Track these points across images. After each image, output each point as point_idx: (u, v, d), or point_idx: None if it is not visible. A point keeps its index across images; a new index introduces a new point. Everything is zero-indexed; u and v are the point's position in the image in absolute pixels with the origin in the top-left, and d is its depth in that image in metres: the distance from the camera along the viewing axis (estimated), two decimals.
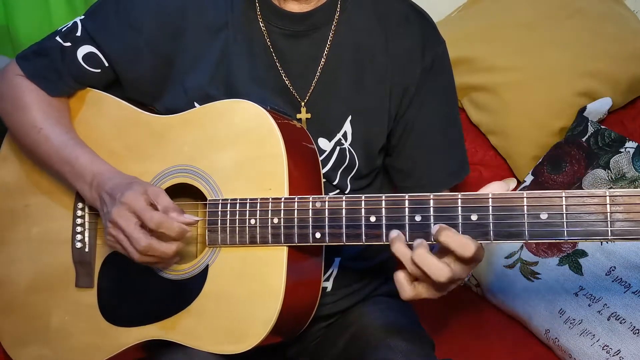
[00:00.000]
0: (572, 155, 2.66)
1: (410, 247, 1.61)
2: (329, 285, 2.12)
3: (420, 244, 1.58)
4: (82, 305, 2.06)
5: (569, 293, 2.38)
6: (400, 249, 1.61)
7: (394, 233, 1.64)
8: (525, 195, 1.56)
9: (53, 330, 2.10)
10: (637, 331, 2.19)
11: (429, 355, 2.04)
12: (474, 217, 1.59)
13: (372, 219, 1.69)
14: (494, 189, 1.60)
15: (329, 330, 2.18)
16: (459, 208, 1.61)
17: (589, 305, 2.32)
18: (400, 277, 1.62)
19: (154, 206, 1.82)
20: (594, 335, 2.27)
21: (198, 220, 1.85)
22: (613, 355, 2.21)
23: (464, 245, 1.56)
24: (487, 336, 2.53)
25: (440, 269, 1.56)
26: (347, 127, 2.03)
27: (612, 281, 2.32)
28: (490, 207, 1.58)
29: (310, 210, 1.76)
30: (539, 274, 2.48)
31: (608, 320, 2.26)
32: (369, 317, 2.13)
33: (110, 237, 1.87)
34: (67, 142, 2.03)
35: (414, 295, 1.63)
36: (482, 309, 2.67)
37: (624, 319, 2.24)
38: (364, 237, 1.70)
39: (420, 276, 1.60)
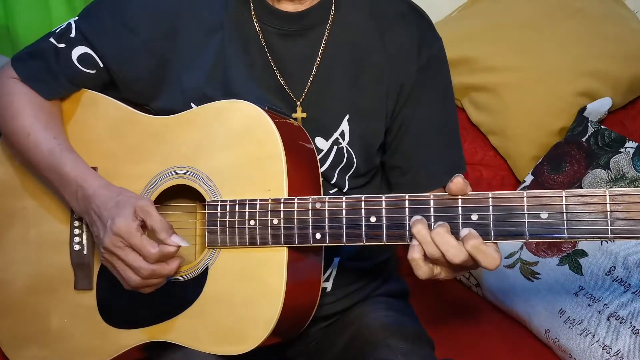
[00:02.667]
0: (572, 155, 2.66)
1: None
2: (328, 285, 2.12)
3: (442, 225, 1.62)
4: (81, 307, 2.05)
5: (569, 293, 2.38)
6: (421, 231, 1.63)
7: (417, 217, 1.65)
8: (525, 194, 1.57)
9: (52, 332, 2.09)
10: (637, 331, 2.19)
11: (429, 355, 2.04)
12: (474, 217, 1.60)
13: (373, 219, 1.69)
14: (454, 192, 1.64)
15: (328, 330, 2.18)
16: (459, 208, 1.62)
17: (589, 305, 2.32)
18: (415, 255, 1.65)
19: (143, 224, 1.82)
20: (594, 335, 2.27)
21: (185, 245, 1.84)
22: (613, 355, 2.21)
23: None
24: (487, 336, 2.52)
25: (457, 249, 1.60)
26: (344, 126, 2.03)
27: (612, 281, 2.32)
28: (491, 207, 1.59)
29: (310, 211, 1.76)
30: (539, 274, 2.48)
31: (608, 320, 2.26)
32: (368, 317, 2.13)
33: (104, 260, 1.88)
34: (54, 149, 2.01)
35: (430, 275, 1.67)
36: (482, 309, 2.67)
37: (624, 319, 2.24)
38: (364, 238, 1.71)
39: (438, 257, 1.63)
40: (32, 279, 2.13)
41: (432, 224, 1.64)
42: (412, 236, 1.65)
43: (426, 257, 1.65)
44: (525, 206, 1.56)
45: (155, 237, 1.81)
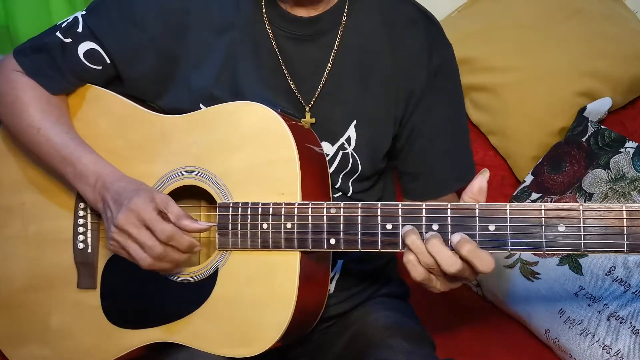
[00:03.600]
0: (572, 155, 2.67)
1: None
2: (331, 287, 2.12)
3: (435, 235, 1.63)
4: (85, 306, 2.05)
5: (569, 293, 2.39)
6: (415, 242, 1.64)
7: (408, 227, 1.66)
8: (543, 207, 1.57)
9: (52, 330, 2.09)
10: (637, 331, 2.20)
11: (430, 355, 2.04)
12: (491, 228, 1.61)
13: (389, 226, 1.69)
14: (475, 188, 1.64)
15: (329, 330, 2.19)
16: (477, 218, 1.62)
17: (589, 305, 2.33)
18: (410, 257, 1.66)
19: (162, 214, 1.82)
20: (594, 335, 2.28)
21: (212, 226, 1.86)
22: (613, 355, 2.22)
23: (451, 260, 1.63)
24: (487, 336, 2.53)
25: (452, 259, 1.61)
26: (351, 131, 2.03)
27: (612, 281, 2.33)
28: (508, 218, 1.60)
29: (325, 217, 1.76)
30: (539, 274, 2.49)
31: (608, 320, 2.27)
32: (370, 317, 2.13)
33: (114, 242, 1.86)
34: (68, 143, 2.01)
35: (426, 276, 1.67)
36: (482, 309, 2.68)
37: (624, 319, 2.25)
38: (380, 245, 1.71)
39: (433, 268, 1.64)
40: (31, 276, 2.13)
41: (449, 234, 1.64)
42: (405, 246, 1.66)
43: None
44: (543, 219, 1.57)
45: (179, 225, 1.82)
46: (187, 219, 1.82)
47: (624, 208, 1.51)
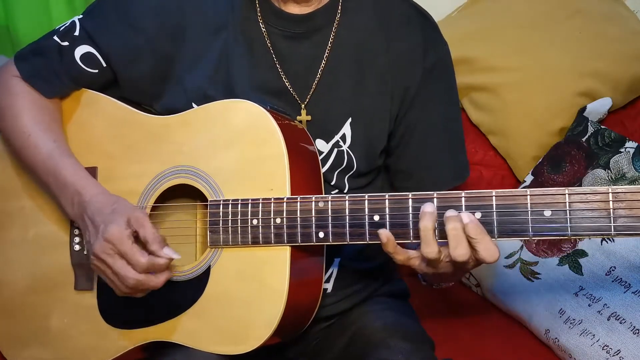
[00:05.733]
0: (572, 155, 2.66)
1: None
2: (329, 286, 2.11)
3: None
4: (82, 307, 2.05)
5: (569, 293, 2.38)
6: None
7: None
8: (528, 192, 1.58)
9: (52, 332, 2.09)
10: (637, 331, 2.19)
11: (429, 355, 2.03)
12: (477, 215, 1.61)
13: (376, 217, 1.70)
14: None
15: (329, 330, 2.17)
16: (463, 206, 1.62)
17: (589, 305, 2.32)
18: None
19: (136, 234, 1.81)
20: (594, 335, 2.27)
21: (177, 258, 1.83)
22: (613, 355, 2.21)
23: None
24: (487, 336, 2.52)
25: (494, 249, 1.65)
26: (346, 129, 2.02)
27: (612, 281, 2.32)
28: (494, 205, 1.60)
29: (313, 210, 1.76)
30: (539, 274, 2.48)
31: (608, 320, 2.26)
32: (369, 317, 2.12)
33: (94, 267, 1.87)
34: (54, 152, 2.00)
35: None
36: (482, 309, 2.67)
37: (624, 319, 2.24)
38: (367, 236, 1.72)
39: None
40: (31, 279, 2.12)
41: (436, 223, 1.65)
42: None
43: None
44: (529, 204, 1.57)
45: (148, 249, 1.81)
46: (156, 242, 1.80)
47: (610, 190, 1.52)
